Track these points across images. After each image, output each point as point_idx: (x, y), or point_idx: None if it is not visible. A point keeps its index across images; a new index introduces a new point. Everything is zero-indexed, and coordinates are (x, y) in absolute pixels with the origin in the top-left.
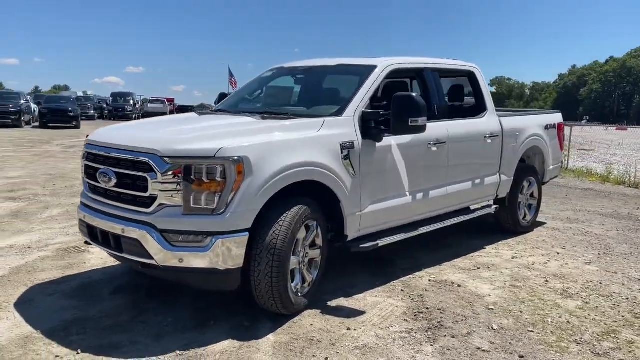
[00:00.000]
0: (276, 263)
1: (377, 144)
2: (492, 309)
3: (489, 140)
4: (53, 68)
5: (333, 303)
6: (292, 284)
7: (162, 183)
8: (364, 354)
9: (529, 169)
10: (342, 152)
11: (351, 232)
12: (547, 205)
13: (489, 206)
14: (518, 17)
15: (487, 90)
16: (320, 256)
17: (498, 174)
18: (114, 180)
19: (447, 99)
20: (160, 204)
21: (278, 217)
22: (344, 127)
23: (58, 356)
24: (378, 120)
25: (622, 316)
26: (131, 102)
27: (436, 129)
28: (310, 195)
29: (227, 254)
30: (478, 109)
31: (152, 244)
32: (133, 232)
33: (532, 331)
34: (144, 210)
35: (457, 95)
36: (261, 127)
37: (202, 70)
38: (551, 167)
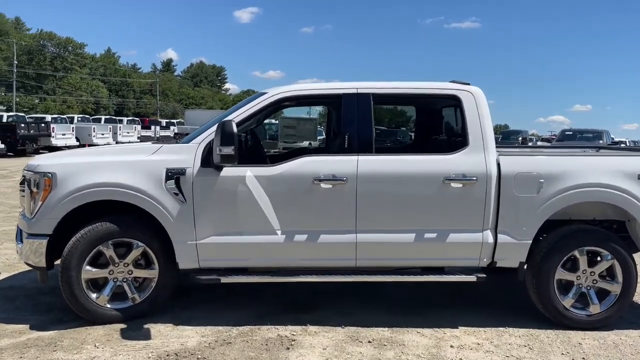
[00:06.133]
0: (61, 268)
1: (222, 174)
2: None
3: (456, 185)
4: (496, 107)
5: (148, 325)
6: (94, 294)
7: (21, 190)
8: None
9: (587, 234)
10: (166, 178)
11: (184, 261)
12: None
13: (470, 273)
14: None
15: (476, 121)
16: (157, 277)
17: (487, 231)
18: None
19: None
20: (23, 206)
21: (80, 230)
22: (181, 153)
23: None
24: None
25: None
26: None
27: (333, 163)
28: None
29: (31, 253)
30: (457, 144)
31: (17, 238)
32: None
33: None
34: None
35: (423, 126)
36: (111, 150)
37: None
38: None
